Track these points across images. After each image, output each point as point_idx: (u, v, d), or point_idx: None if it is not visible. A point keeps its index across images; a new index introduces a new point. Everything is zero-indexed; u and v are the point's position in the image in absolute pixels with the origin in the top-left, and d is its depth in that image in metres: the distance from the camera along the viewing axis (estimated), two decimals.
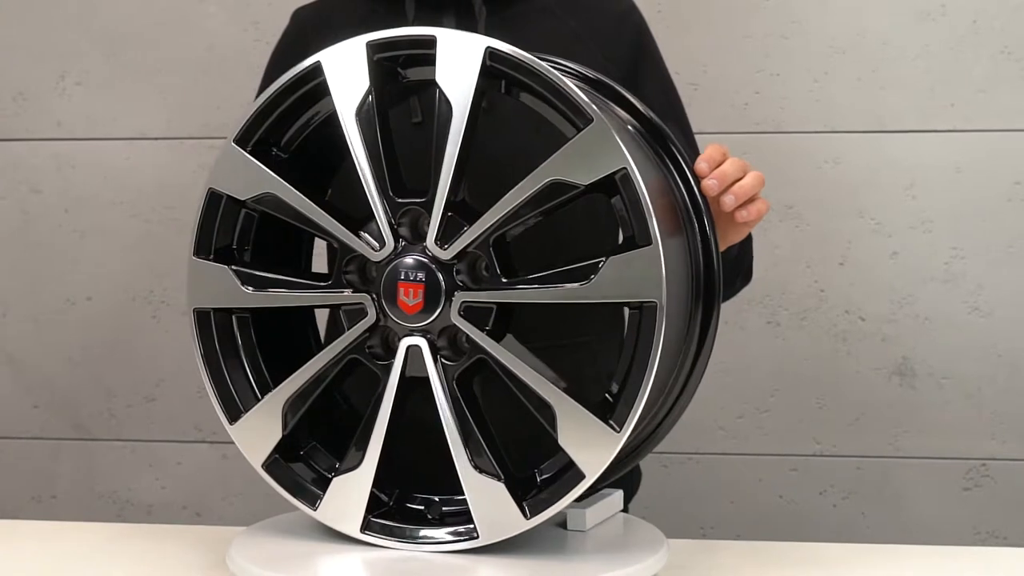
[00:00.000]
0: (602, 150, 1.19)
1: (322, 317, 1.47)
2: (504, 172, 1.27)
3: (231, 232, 1.33)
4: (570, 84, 1.21)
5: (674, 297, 1.21)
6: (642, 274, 1.18)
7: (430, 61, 1.27)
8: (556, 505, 1.22)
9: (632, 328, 1.20)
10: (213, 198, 1.32)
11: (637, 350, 1.19)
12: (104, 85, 2.51)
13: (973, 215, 2.34)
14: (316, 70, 1.28)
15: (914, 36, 2.33)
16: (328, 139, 1.32)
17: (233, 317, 1.35)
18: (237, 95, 2.48)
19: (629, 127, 1.33)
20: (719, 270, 1.29)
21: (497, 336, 1.24)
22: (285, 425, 1.30)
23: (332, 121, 1.30)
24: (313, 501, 1.30)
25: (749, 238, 1.58)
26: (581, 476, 1.21)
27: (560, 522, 1.34)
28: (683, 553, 1.40)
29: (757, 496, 2.41)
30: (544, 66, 1.22)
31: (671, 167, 1.33)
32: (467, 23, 1.58)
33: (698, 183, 1.31)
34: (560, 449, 1.23)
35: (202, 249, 1.33)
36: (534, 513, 1.22)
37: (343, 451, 1.31)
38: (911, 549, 1.52)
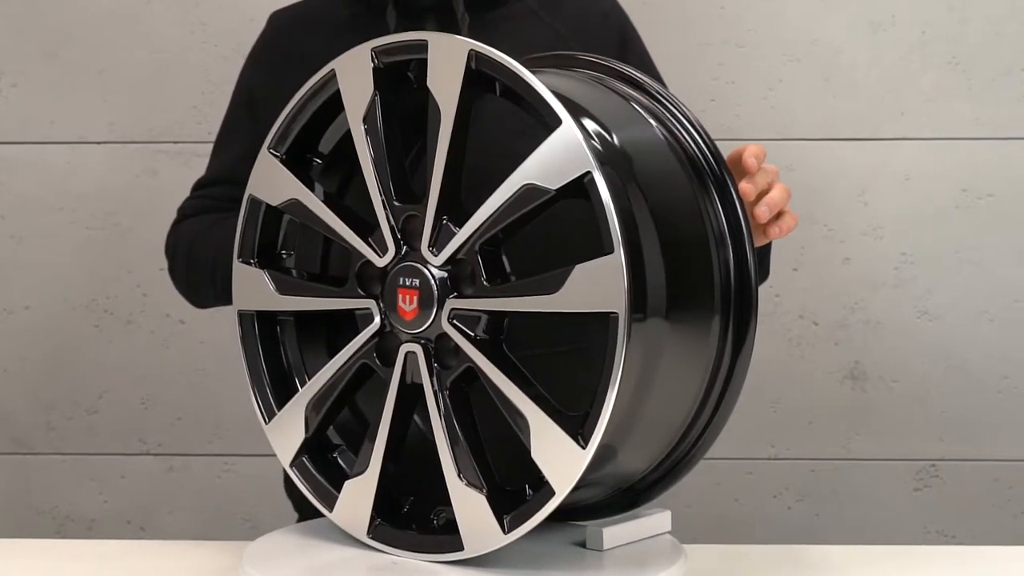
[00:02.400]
0: (568, 154, 1.14)
1: None
2: (497, 177, 1.26)
3: (273, 237, 1.36)
4: (541, 86, 1.16)
5: (657, 309, 1.16)
6: (604, 283, 1.12)
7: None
8: (531, 520, 1.16)
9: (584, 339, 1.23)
10: (254, 205, 1.34)
11: (605, 364, 1.13)
12: (42, 87, 2.43)
13: (922, 222, 2.39)
14: (333, 78, 1.28)
15: (866, 46, 2.38)
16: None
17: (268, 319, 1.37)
18: (183, 98, 2.43)
19: (667, 142, 1.30)
20: (756, 287, 1.25)
21: (489, 344, 1.21)
22: (307, 426, 1.32)
23: None
24: (331, 503, 1.31)
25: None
26: (552, 492, 1.16)
27: (580, 541, 1.31)
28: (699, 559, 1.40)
29: (714, 499, 2.43)
30: (518, 67, 1.17)
31: (710, 183, 1.29)
32: (449, 29, 1.56)
33: (742, 203, 1.27)
34: None
35: (244, 253, 1.36)
36: (512, 528, 1.18)
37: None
38: (914, 550, 1.55)
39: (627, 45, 1.67)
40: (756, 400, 2.41)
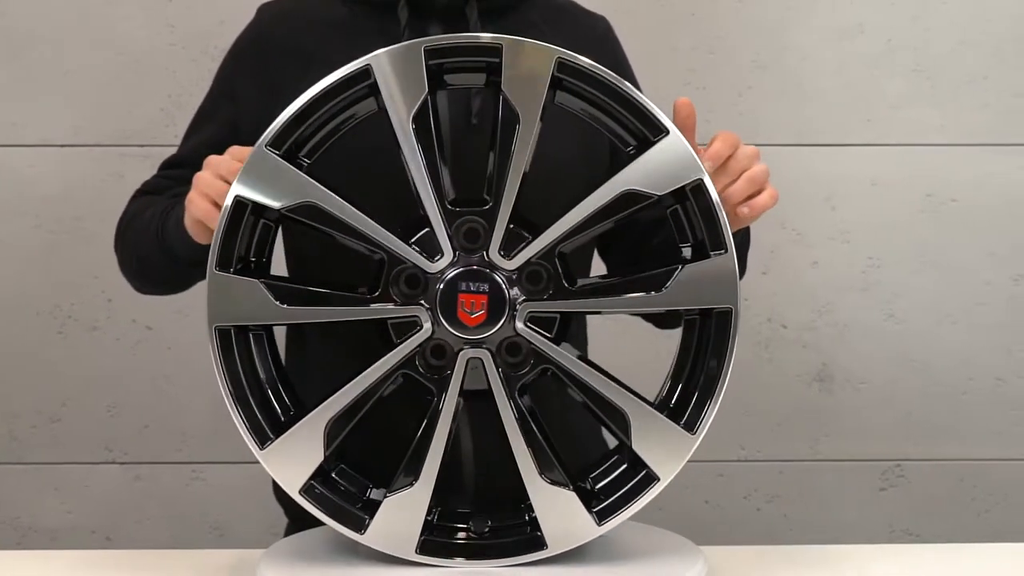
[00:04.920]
0: (678, 161, 1.23)
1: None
2: (545, 180, 1.28)
3: (250, 243, 1.27)
4: (642, 97, 1.23)
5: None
6: (717, 281, 1.23)
7: (478, 68, 1.26)
8: (629, 510, 1.24)
9: (696, 334, 1.26)
10: (239, 207, 1.24)
11: (708, 355, 1.25)
12: (5, 88, 2.38)
13: (888, 226, 2.43)
14: (364, 74, 1.24)
15: (833, 53, 2.41)
16: (353, 147, 1.29)
17: (251, 334, 1.28)
18: (151, 101, 2.40)
19: None
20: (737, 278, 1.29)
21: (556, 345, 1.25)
22: (327, 447, 1.25)
23: (360, 129, 1.27)
24: (359, 525, 1.25)
25: (747, 231, 1.57)
26: (653, 479, 1.24)
27: None
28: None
29: (684, 501, 2.45)
30: (615, 77, 1.23)
31: None
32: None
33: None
34: (610, 455, 1.27)
35: (224, 262, 1.24)
36: (604, 519, 1.24)
37: (387, 471, 1.27)
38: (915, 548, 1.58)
39: (618, 69, 1.68)
40: (726, 402, 2.40)
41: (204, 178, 1.37)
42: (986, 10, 2.41)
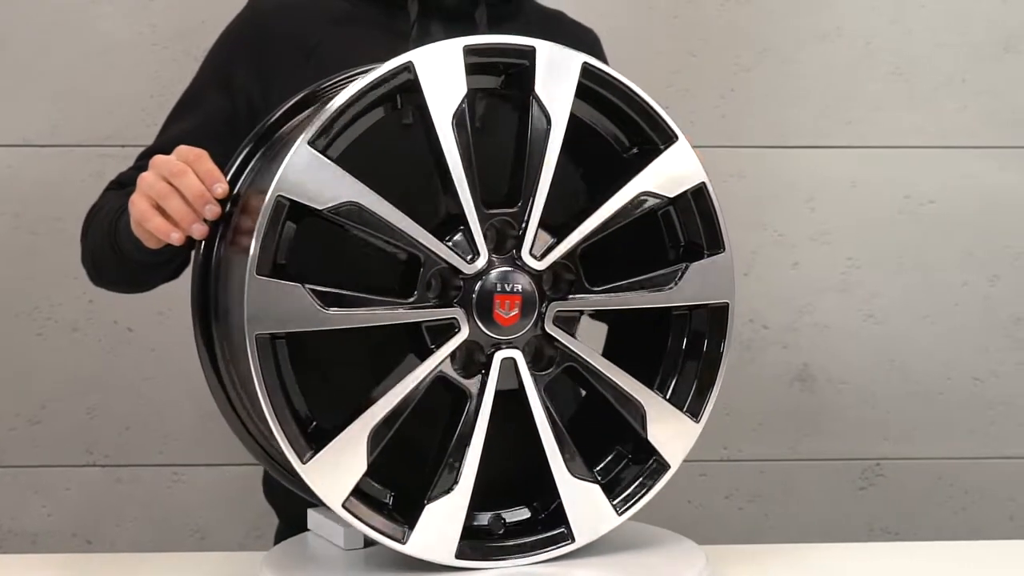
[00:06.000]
0: (685, 166, 1.30)
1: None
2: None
3: (284, 246, 1.21)
4: (656, 104, 1.31)
5: None
6: (719, 278, 1.32)
7: (497, 71, 1.27)
8: (645, 498, 1.32)
9: (689, 327, 1.33)
10: (279, 207, 1.17)
11: (707, 346, 1.32)
12: None
13: (867, 227, 2.46)
14: (405, 71, 1.21)
15: (813, 56, 2.44)
16: (374, 147, 1.27)
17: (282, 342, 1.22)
18: (131, 101, 2.38)
19: None
20: None
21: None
22: (369, 456, 1.20)
23: (381, 129, 1.26)
24: (399, 534, 1.21)
25: None
26: (664, 467, 1.32)
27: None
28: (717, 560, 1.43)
29: (667, 501, 2.44)
30: (632, 85, 1.30)
31: None
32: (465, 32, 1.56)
33: None
34: (607, 449, 1.33)
35: (263, 266, 1.16)
36: (623, 509, 1.30)
37: (401, 477, 1.25)
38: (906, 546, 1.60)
39: None
40: None
41: (147, 179, 1.32)
42: (964, 14, 2.44)
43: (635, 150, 1.32)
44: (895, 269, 2.46)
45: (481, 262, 1.22)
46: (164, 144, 1.58)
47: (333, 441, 1.18)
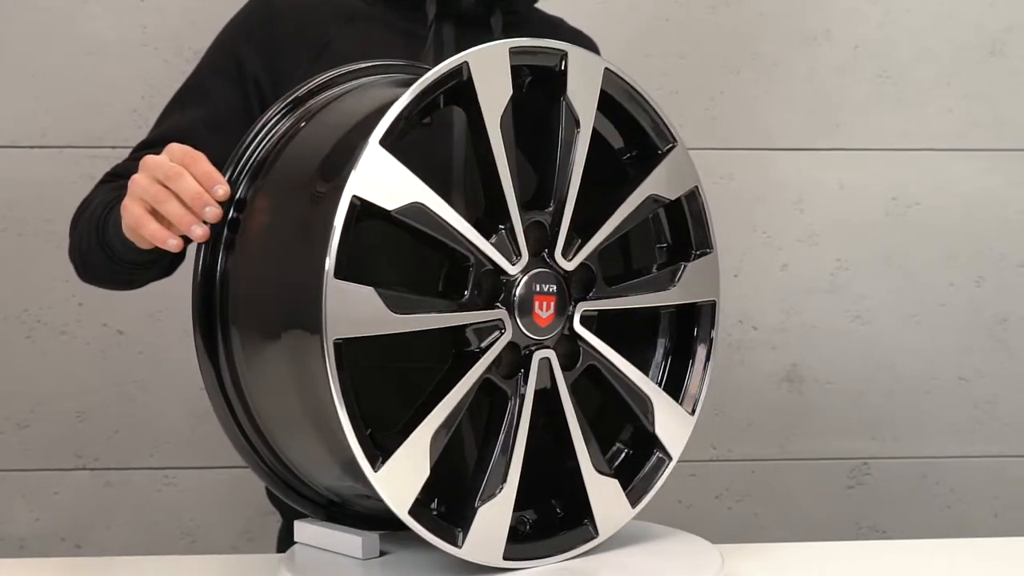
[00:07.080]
0: (684, 169, 1.36)
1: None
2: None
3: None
4: (661, 110, 1.34)
5: None
6: (708, 277, 1.37)
7: (521, 75, 1.26)
8: (652, 490, 1.35)
9: (676, 326, 1.37)
10: (352, 208, 1.11)
11: (696, 343, 1.37)
12: None
13: (855, 229, 2.48)
14: (459, 71, 1.18)
15: (801, 59, 2.46)
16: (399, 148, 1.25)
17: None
18: (122, 102, 2.36)
19: None
20: None
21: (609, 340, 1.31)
22: (431, 462, 1.17)
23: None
24: (454, 538, 1.19)
25: None
26: (667, 460, 1.36)
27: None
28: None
29: (657, 501, 2.46)
30: (644, 90, 1.32)
31: None
32: (475, 35, 1.56)
33: None
34: (613, 444, 1.37)
35: (339, 268, 1.11)
36: (635, 503, 1.33)
37: (457, 479, 1.24)
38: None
39: None
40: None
41: (140, 182, 1.27)
42: (949, 18, 2.47)
43: (633, 152, 1.35)
44: (882, 270, 2.49)
45: (522, 263, 1.22)
46: (165, 134, 1.54)
47: (399, 449, 1.15)
